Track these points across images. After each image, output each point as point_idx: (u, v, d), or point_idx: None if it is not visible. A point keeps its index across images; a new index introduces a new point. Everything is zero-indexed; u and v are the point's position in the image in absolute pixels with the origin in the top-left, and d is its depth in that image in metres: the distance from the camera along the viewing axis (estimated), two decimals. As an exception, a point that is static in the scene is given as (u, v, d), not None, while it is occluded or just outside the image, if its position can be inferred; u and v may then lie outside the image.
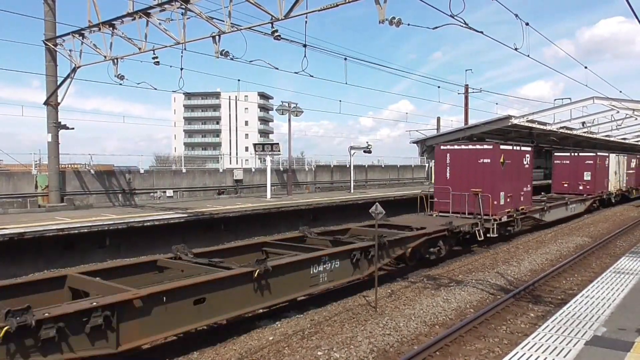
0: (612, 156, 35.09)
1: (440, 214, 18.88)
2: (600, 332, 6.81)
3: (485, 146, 19.00)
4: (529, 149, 21.54)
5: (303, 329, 9.54)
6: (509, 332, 9.54)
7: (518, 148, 20.44)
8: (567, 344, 6.33)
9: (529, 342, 6.48)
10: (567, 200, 27.05)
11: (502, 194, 18.81)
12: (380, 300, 11.13)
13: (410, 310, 10.72)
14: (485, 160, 18.57)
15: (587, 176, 31.57)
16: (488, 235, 17.89)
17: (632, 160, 41.20)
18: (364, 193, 30.11)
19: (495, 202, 18.17)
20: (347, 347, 8.54)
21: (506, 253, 17.61)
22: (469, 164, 18.80)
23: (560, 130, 37.93)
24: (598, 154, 32.56)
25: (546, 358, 5.90)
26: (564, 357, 5.93)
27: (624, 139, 46.47)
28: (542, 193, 30.34)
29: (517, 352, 6.10)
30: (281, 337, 9.13)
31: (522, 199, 20.62)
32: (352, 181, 32.32)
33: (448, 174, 19.26)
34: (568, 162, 32.66)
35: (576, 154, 32.89)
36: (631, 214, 31.37)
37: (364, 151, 32.79)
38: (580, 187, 31.50)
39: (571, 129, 38.90)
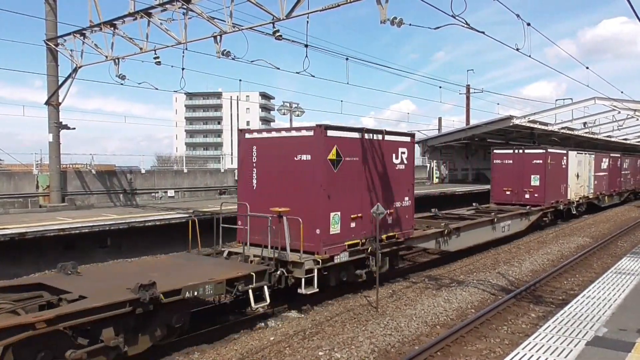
0: (572, 154, 27.06)
1: (240, 247, 11.61)
2: (601, 332, 6.80)
3: (305, 132, 11.13)
4: (403, 139, 13.34)
5: (304, 329, 9.54)
6: (510, 333, 9.54)
7: (374, 137, 12.21)
8: (568, 344, 6.33)
9: (530, 342, 6.48)
10: (494, 216, 19.03)
11: (335, 215, 11.02)
12: (381, 301, 11.13)
13: (412, 310, 10.71)
14: (304, 157, 10.99)
15: (535, 180, 23.56)
16: (302, 292, 10.22)
17: (603, 159, 32.59)
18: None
19: (317, 230, 10.70)
20: (349, 347, 8.54)
21: (507, 253, 17.60)
22: (282, 164, 11.41)
23: (562, 131, 37.92)
24: (549, 150, 24.44)
25: (547, 358, 5.89)
26: (565, 357, 5.92)
27: (625, 139, 46.43)
28: (474, 204, 23.01)
29: (518, 353, 6.10)
30: (282, 337, 9.13)
31: (393, 219, 12.80)
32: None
33: (255, 181, 11.92)
34: (511, 161, 24.33)
35: (520, 150, 24.63)
36: (632, 215, 31.34)
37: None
38: (527, 196, 23.63)
39: (573, 129, 38.91)
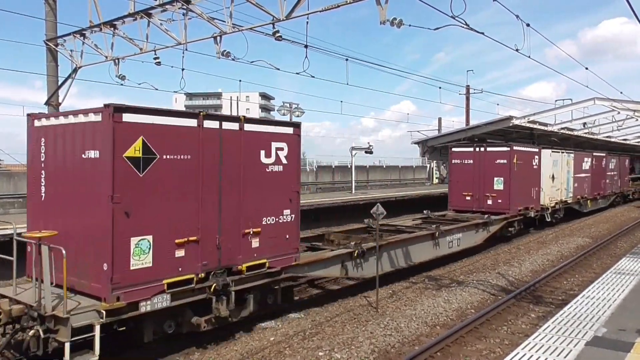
0: (546, 153, 23.59)
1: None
2: (601, 332, 6.82)
3: (93, 117, 7.55)
4: (281, 129, 10.06)
5: (304, 329, 9.55)
6: (509, 333, 9.55)
7: (225, 126, 8.84)
8: (567, 345, 6.34)
9: (529, 342, 6.49)
10: (436, 229, 15.08)
11: (140, 240, 7.56)
12: (381, 301, 11.14)
13: (412, 310, 10.72)
14: (92, 154, 7.54)
15: (498, 184, 19.80)
16: None
17: (585, 159, 29.24)
18: (365, 194, 30.10)
19: (104, 265, 7.26)
20: (348, 348, 8.55)
21: (507, 254, 17.61)
22: (70, 164, 8.04)
23: (562, 131, 37.96)
24: (516, 148, 20.49)
25: (547, 358, 5.91)
26: (565, 357, 5.94)
27: (625, 139, 46.46)
28: (426, 211, 18.92)
29: (518, 353, 6.11)
30: (282, 337, 9.14)
31: (261, 242, 9.38)
32: (353, 182, 32.30)
33: (43, 189, 8.50)
34: (471, 161, 20.56)
35: (482, 148, 20.61)
36: (632, 215, 31.36)
37: (365, 152, 32.81)
38: (489, 202, 19.98)
39: (572, 129, 38.91)
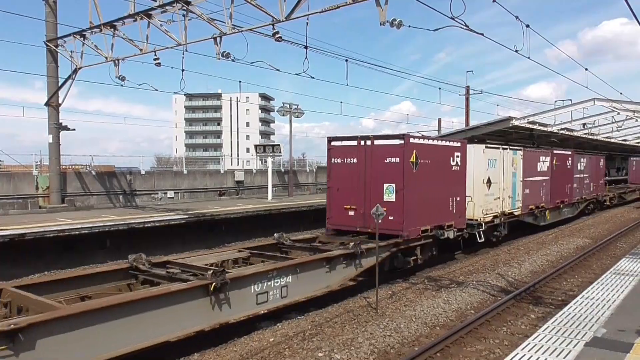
0: (477, 149, 17.70)
1: None
2: (600, 333, 6.83)
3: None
4: None
5: (304, 330, 9.56)
6: (509, 334, 9.55)
7: None
8: (567, 345, 6.35)
9: (529, 343, 6.50)
10: (213, 278, 8.66)
11: None
12: (381, 302, 11.14)
13: (411, 311, 10.73)
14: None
15: (389, 193, 13.77)
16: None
17: (542, 158, 23.42)
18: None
19: None
20: (348, 349, 8.56)
21: (507, 254, 17.61)
22: None
23: (561, 132, 37.97)
24: (413, 141, 13.95)
25: (546, 359, 5.92)
26: (564, 358, 5.94)
27: (625, 140, 46.49)
28: (277, 235, 13.32)
29: (517, 354, 6.12)
30: (282, 338, 9.14)
31: None
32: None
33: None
34: (355, 160, 14.46)
35: (368, 142, 14.26)
36: (632, 215, 31.37)
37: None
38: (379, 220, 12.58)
39: (572, 130, 38.89)
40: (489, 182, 18.01)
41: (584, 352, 6.13)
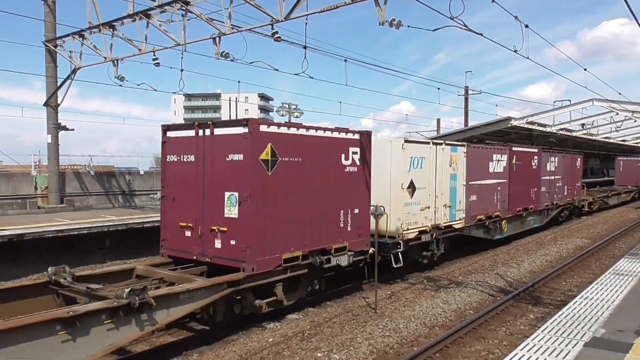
0: (394, 145, 13.74)
1: None
2: (599, 333, 6.83)
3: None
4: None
5: (303, 330, 9.55)
6: (508, 334, 9.55)
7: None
8: (566, 346, 6.35)
9: (528, 343, 6.50)
10: None
11: None
12: (380, 302, 11.14)
13: (410, 311, 10.72)
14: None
15: (231, 205, 9.43)
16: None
17: (496, 156, 18.74)
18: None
19: None
20: (347, 349, 8.55)
21: (506, 255, 17.62)
22: None
23: (560, 132, 37.97)
24: (265, 130, 9.50)
25: (545, 359, 5.91)
26: (563, 358, 5.94)
27: (624, 140, 46.53)
28: (51, 268, 8.57)
29: (517, 354, 6.12)
30: (281, 338, 9.13)
31: None
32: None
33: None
34: (192, 157, 10.21)
35: (207, 131, 9.94)
36: (630, 216, 31.40)
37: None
38: (217, 244, 9.65)
39: (571, 130, 38.92)
40: (411, 187, 13.70)
41: (583, 352, 6.13)
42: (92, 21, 16.72)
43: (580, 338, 6.63)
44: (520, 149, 21.55)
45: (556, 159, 25.35)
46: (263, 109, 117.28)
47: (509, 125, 35.21)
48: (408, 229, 13.56)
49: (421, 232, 14.12)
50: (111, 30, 16.35)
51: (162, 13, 15.02)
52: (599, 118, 36.18)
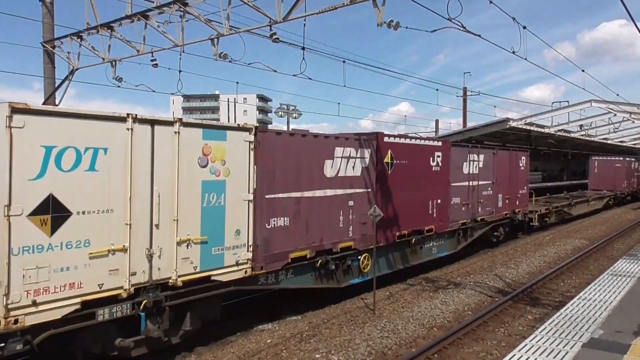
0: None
1: None
2: (597, 334, 6.83)
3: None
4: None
5: (301, 331, 9.54)
6: (506, 335, 9.56)
7: None
8: (564, 346, 6.35)
9: (526, 344, 6.50)
10: None
11: None
12: (378, 303, 11.13)
13: (409, 312, 10.72)
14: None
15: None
16: None
17: (349, 150, 11.76)
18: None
19: None
20: (345, 350, 8.55)
21: (504, 255, 17.63)
22: None
23: (558, 133, 38.03)
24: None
25: (543, 360, 5.92)
26: (561, 359, 5.94)
27: (622, 141, 46.62)
28: None
29: (515, 355, 6.12)
30: (279, 339, 9.12)
31: None
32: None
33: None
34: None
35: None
36: (629, 217, 31.43)
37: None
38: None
39: (569, 131, 39.00)
40: (48, 211, 6.77)
41: (581, 353, 6.13)
42: (90, 22, 16.70)
43: (579, 339, 6.63)
44: (402, 141, 13.78)
45: (482, 157, 17.85)
46: (261, 110, 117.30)
47: (507, 127, 35.29)
48: (34, 307, 6.59)
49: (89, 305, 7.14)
50: (109, 31, 16.33)
51: (161, 14, 14.99)
52: (597, 119, 36.26)
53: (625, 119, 32.24)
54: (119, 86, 17.44)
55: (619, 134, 42.07)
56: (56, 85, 20.42)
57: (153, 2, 14.65)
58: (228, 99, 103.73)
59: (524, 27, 12.43)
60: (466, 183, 16.77)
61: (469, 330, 9.53)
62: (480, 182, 17.68)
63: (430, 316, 10.54)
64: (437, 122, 53.21)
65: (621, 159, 41.08)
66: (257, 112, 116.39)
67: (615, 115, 31.91)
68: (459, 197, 16.26)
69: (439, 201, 15.14)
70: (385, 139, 12.92)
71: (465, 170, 16.77)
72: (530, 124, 35.87)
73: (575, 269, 15.59)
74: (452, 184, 15.86)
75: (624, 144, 47.57)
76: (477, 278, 14.11)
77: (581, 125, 38.18)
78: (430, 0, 10.83)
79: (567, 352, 6.13)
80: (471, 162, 17.14)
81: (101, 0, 17.09)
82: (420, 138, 15.60)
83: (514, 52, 12.42)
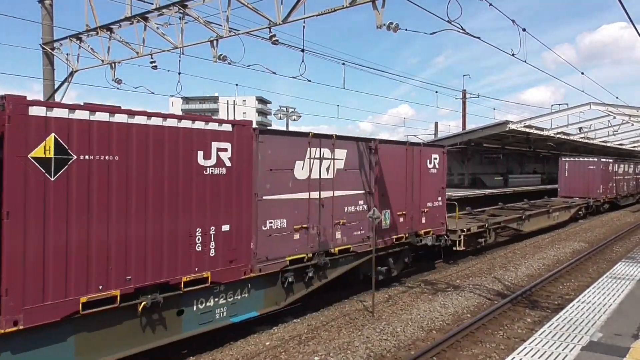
0: None
1: None
2: (597, 337, 6.82)
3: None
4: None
5: (300, 334, 9.52)
6: (505, 338, 9.54)
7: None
8: (563, 349, 6.34)
9: (525, 347, 6.49)
10: None
11: None
12: (377, 305, 11.12)
13: (408, 315, 10.70)
14: None
15: None
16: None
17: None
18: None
19: None
20: (344, 353, 8.53)
21: (503, 258, 17.62)
22: None
23: (558, 136, 38.07)
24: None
25: (543, 363, 5.90)
26: (561, 362, 5.93)
27: (621, 144, 46.68)
28: None
29: (514, 358, 6.11)
30: (278, 342, 9.10)
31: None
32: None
33: None
34: None
35: None
36: (627, 220, 31.44)
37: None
38: None
39: (568, 134, 39.05)
40: None
41: (581, 356, 6.12)
42: (89, 24, 16.71)
43: (578, 342, 6.62)
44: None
45: (345, 153, 11.65)
46: (261, 112, 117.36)
47: (507, 129, 35.30)
48: None
49: None
50: (108, 33, 16.33)
51: (160, 16, 15.00)
52: (596, 122, 36.29)
53: (624, 121, 32.27)
54: (118, 88, 17.42)
55: (619, 136, 42.10)
56: (55, 87, 20.43)
57: (152, 4, 14.65)
58: (227, 101, 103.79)
59: (524, 30, 12.44)
60: (303, 195, 10.53)
61: (467, 333, 9.52)
62: (340, 193, 11.45)
63: (429, 319, 10.52)
64: (436, 124, 53.22)
65: (595, 159, 34.68)
66: (257, 114, 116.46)
67: (614, 117, 31.95)
68: (284, 217, 10.08)
69: (224, 228, 8.85)
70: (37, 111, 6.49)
71: (302, 175, 10.52)
72: (530, 126, 35.87)
73: (575, 271, 15.59)
74: (265, 198, 9.64)
75: (623, 147, 47.62)
76: (476, 281, 14.09)
77: (580, 128, 38.21)
78: (429, 2, 10.85)
79: (567, 355, 6.12)
80: (315, 161, 10.84)
81: (100, 2, 17.10)
82: (177, 117, 8.25)
83: (513, 55, 12.44)
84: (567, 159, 35.45)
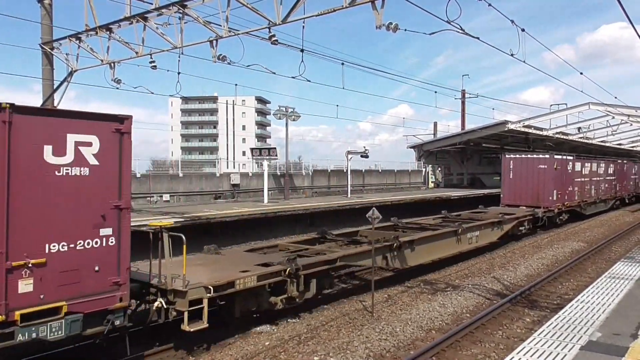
0: None
1: None
2: (595, 337, 6.84)
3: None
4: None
5: (299, 334, 9.53)
6: (505, 337, 9.55)
7: None
8: (562, 349, 6.35)
9: (524, 347, 6.50)
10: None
11: None
12: (376, 305, 11.13)
13: (407, 315, 10.72)
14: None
15: None
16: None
17: None
18: (361, 198, 30.14)
19: None
20: (344, 352, 8.54)
21: (502, 258, 17.64)
22: None
23: (556, 136, 38.10)
24: None
25: (542, 363, 5.92)
26: (560, 362, 5.95)
27: (619, 144, 46.74)
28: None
29: (513, 357, 6.12)
30: (277, 342, 9.11)
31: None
32: (349, 186, 32.37)
33: None
34: None
35: None
36: (626, 219, 31.48)
37: (361, 156, 32.88)
38: None
39: (567, 134, 39.11)
40: None
41: (580, 356, 6.13)
42: (89, 24, 16.69)
43: (577, 341, 6.63)
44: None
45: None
46: (260, 112, 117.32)
47: (506, 129, 35.33)
48: None
49: None
50: (108, 33, 16.32)
51: (160, 16, 14.99)
52: (595, 122, 36.33)
53: (623, 121, 32.31)
54: (117, 88, 17.43)
55: (617, 136, 42.15)
56: (55, 87, 20.41)
57: (152, 4, 14.64)
58: (227, 101, 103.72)
59: (523, 30, 12.47)
60: None
61: (467, 333, 9.52)
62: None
63: (429, 318, 10.54)
64: (435, 124, 53.18)
65: (547, 156, 25.87)
66: (256, 114, 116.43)
67: (613, 117, 31.97)
68: None
69: None
70: None
71: None
72: (529, 126, 35.90)
73: (574, 271, 15.61)
74: None
75: (622, 147, 47.67)
76: (476, 280, 14.11)
77: (579, 128, 38.25)
78: (429, 2, 10.85)
79: (566, 355, 6.13)
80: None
81: (100, 2, 17.08)
82: None
83: (512, 55, 12.46)
84: (512, 155, 26.73)
